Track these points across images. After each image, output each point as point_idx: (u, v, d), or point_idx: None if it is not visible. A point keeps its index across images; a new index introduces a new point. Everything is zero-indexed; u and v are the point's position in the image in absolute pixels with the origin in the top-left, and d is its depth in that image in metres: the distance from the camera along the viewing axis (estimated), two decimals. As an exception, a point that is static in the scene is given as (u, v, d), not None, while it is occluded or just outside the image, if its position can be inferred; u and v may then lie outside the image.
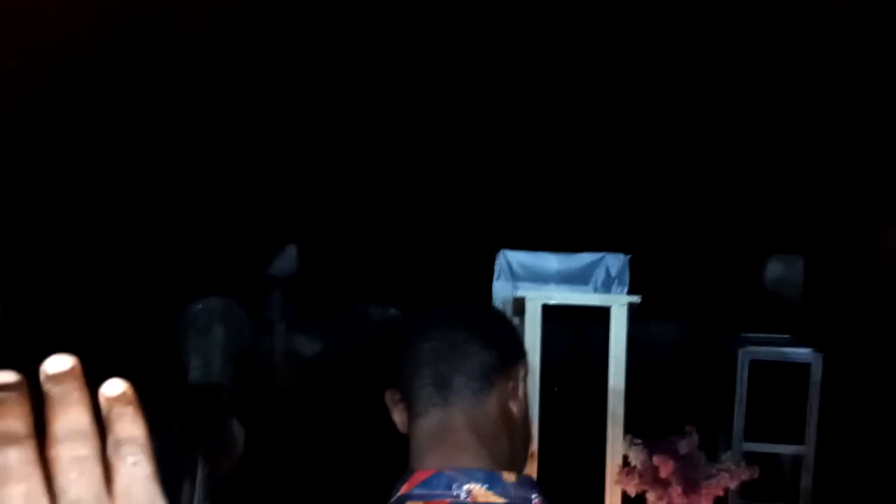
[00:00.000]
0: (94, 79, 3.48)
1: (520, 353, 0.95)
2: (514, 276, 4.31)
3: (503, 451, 0.88)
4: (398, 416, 0.94)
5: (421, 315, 1.00)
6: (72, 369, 0.33)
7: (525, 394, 0.93)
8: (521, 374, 0.92)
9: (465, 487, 0.81)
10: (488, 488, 0.81)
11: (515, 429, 0.90)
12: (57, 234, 4.54)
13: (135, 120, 4.00)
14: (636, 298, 2.77)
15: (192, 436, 3.58)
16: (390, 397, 0.96)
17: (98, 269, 4.80)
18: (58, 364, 0.32)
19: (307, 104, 4.19)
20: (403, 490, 0.84)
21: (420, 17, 3.17)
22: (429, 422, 0.87)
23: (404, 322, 1.08)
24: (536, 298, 2.69)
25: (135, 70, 3.47)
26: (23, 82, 3.26)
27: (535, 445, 2.74)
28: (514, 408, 0.90)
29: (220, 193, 4.80)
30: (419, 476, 0.84)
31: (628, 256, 4.16)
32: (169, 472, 3.39)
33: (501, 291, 4.25)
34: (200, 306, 4.66)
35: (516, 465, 0.89)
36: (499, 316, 1.08)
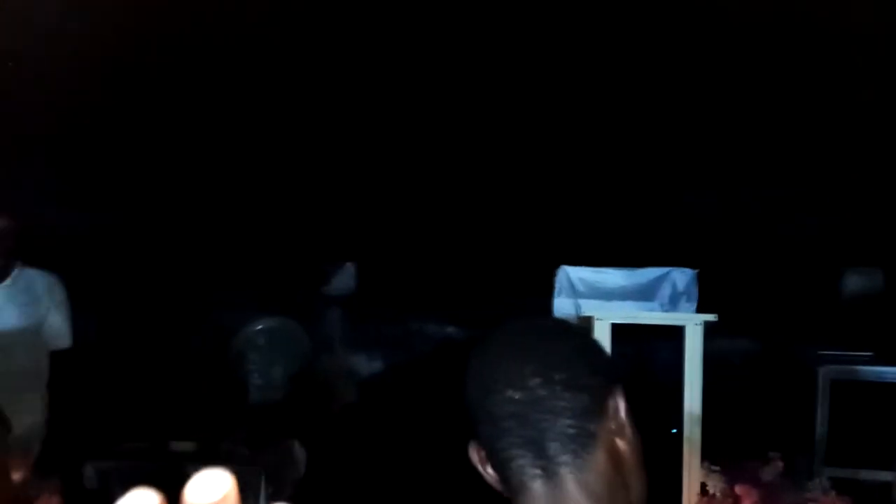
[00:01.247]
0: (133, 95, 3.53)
1: (614, 379, 0.82)
2: (576, 293, 4.20)
3: (624, 501, 0.77)
4: (490, 477, 0.82)
5: (486, 354, 0.83)
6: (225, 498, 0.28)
7: (629, 422, 0.80)
8: (621, 403, 0.80)
9: None
10: None
11: (630, 470, 0.78)
12: (116, 249, 4.63)
13: (190, 133, 4.06)
14: (712, 317, 2.64)
15: (255, 456, 3.58)
16: (476, 456, 0.84)
17: (162, 289, 4.89)
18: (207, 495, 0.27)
19: (366, 119, 4.19)
20: None
21: (465, 21, 3.11)
22: (531, 497, 0.75)
23: (469, 361, 0.94)
24: (605, 318, 2.58)
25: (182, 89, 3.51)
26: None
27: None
28: (623, 446, 0.78)
29: (278, 211, 4.84)
30: None
31: (696, 271, 4.01)
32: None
33: (563, 309, 4.15)
34: (261, 326, 4.69)
35: None
36: (579, 336, 0.88)
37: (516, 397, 0.75)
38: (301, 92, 3.90)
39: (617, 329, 2.75)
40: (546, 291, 4.21)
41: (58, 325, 2.80)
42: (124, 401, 4.09)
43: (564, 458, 0.74)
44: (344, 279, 5.32)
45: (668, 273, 4.02)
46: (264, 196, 4.73)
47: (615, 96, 4.03)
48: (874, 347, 3.65)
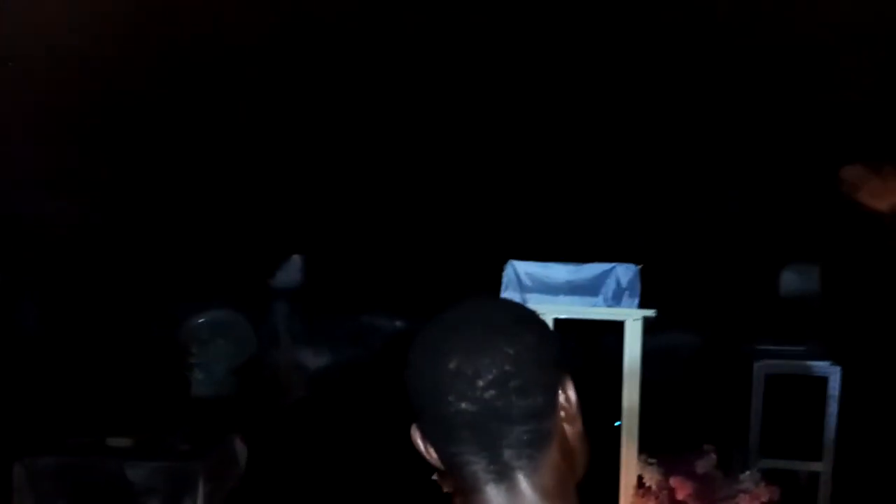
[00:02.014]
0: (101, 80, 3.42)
1: (565, 363, 0.78)
2: (523, 288, 4.23)
3: (569, 489, 0.76)
4: (433, 460, 0.78)
5: (433, 352, 0.76)
6: None
7: (577, 404, 0.77)
8: (570, 391, 0.76)
9: None
10: None
11: (577, 457, 0.77)
12: (63, 237, 4.48)
13: (141, 122, 3.95)
14: (651, 312, 2.69)
15: (195, 452, 3.51)
16: (420, 439, 0.79)
17: (102, 279, 4.75)
18: None
19: (313, 112, 4.13)
20: None
21: (425, 21, 3.10)
22: (483, 501, 0.73)
23: (410, 355, 0.75)
24: (549, 312, 2.60)
25: (140, 69, 3.42)
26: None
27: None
28: (571, 431, 0.76)
29: (225, 203, 4.74)
30: None
31: (639, 267, 4.07)
32: (172, 487, 3.33)
33: (510, 303, 4.18)
34: (205, 319, 4.60)
35: (575, 487, 0.78)
36: (528, 325, 0.79)
37: (470, 409, 0.71)
38: (253, 85, 3.84)
39: (560, 324, 2.77)
40: (494, 285, 4.23)
41: None
42: (61, 395, 3.97)
43: (520, 462, 0.73)
44: (291, 272, 5.25)
45: (612, 269, 4.07)
46: (212, 186, 4.63)
47: (567, 95, 4.07)
48: (809, 342, 3.76)
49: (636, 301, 3.94)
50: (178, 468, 3.39)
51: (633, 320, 2.60)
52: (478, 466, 0.72)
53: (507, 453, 0.72)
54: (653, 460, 2.63)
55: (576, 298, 3.94)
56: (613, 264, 4.12)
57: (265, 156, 4.50)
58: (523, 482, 0.72)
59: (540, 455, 0.73)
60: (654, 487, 2.55)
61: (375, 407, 4.89)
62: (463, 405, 0.71)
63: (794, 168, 4.25)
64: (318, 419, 4.81)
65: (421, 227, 5.00)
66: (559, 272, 4.21)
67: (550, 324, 2.72)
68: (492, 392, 0.71)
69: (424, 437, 0.78)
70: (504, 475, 0.72)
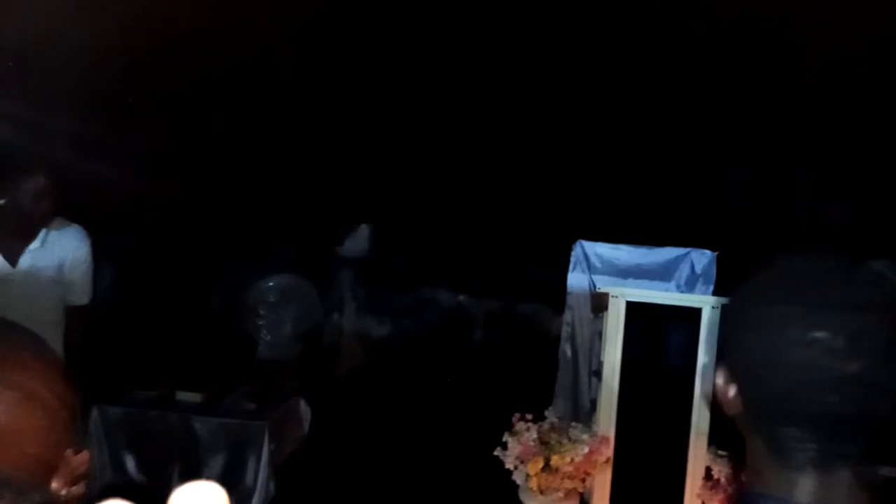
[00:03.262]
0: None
1: None
2: (591, 269, 4.15)
3: None
4: (729, 403, 0.73)
5: (804, 310, 0.65)
6: None
7: None
8: None
9: None
10: None
11: None
12: (140, 200, 4.62)
13: (206, 88, 4.00)
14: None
15: (260, 411, 3.59)
16: (724, 382, 0.73)
17: (177, 244, 4.88)
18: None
19: (387, 81, 4.11)
20: None
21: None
22: (803, 478, 0.67)
23: (770, 296, 0.65)
24: (622, 296, 2.53)
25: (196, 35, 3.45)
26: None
27: (611, 451, 2.60)
28: None
29: (297, 171, 4.80)
30: None
31: (716, 253, 3.93)
32: (237, 443, 3.42)
33: (577, 284, 4.10)
34: (272, 283, 4.69)
35: None
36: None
37: (832, 399, 0.63)
38: (328, 57, 3.84)
39: (632, 307, 2.69)
40: (562, 265, 4.16)
41: (79, 283, 2.79)
42: (135, 351, 4.12)
43: (849, 451, 0.66)
44: (359, 241, 5.29)
45: (686, 254, 3.95)
46: (284, 155, 4.68)
47: (642, 74, 3.93)
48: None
49: (711, 288, 3.81)
50: (244, 426, 3.47)
51: (711, 307, 2.49)
52: (811, 449, 0.67)
53: (846, 446, 0.66)
54: (723, 453, 2.54)
55: (647, 283, 3.84)
56: (688, 249, 3.99)
57: (340, 124, 4.52)
58: (844, 473, 0.67)
59: (865, 448, 0.67)
60: (722, 480, 2.46)
61: (433, 377, 4.91)
62: (824, 392, 0.64)
63: (885, 157, 4.01)
64: (378, 387, 4.87)
65: (490, 202, 4.95)
66: (630, 255, 4.11)
67: (623, 308, 2.65)
68: (865, 363, 0.64)
69: (731, 382, 0.73)
70: (830, 463, 0.67)
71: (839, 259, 0.71)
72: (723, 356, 0.74)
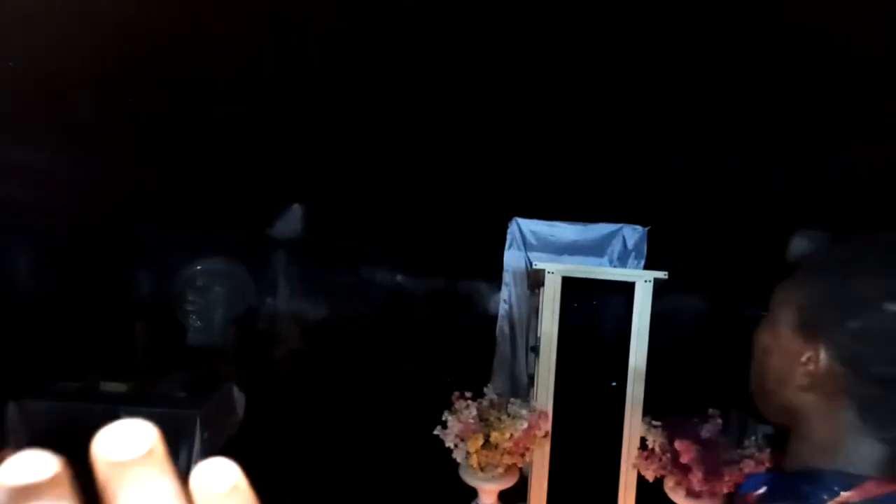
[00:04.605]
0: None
1: None
2: (527, 246, 4.17)
3: None
4: (806, 382, 0.71)
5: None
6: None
7: None
8: None
9: None
10: None
11: None
12: (60, 183, 4.38)
13: (143, 65, 3.81)
14: (663, 274, 2.62)
15: (191, 399, 3.48)
16: (815, 356, 0.71)
17: (101, 226, 4.66)
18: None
19: (316, 59, 3.99)
20: (846, 498, 0.66)
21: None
22: (888, 447, 0.68)
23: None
24: (558, 272, 2.54)
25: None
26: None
27: (549, 425, 2.62)
28: None
29: (225, 150, 4.63)
30: (874, 488, 0.66)
31: (646, 228, 4.01)
32: (169, 434, 3.31)
33: (513, 261, 4.12)
34: (202, 267, 4.53)
35: None
36: None
37: None
38: (259, 31, 3.69)
39: (568, 283, 2.71)
40: (498, 242, 4.17)
41: None
42: (58, 341, 3.92)
43: None
44: (291, 221, 5.17)
45: (619, 229, 4.02)
46: (212, 133, 4.51)
47: (576, 50, 3.94)
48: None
49: (642, 262, 3.90)
50: (175, 415, 3.35)
51: (643, 281, 2.53)
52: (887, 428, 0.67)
53: None
54: (657, 423, 2.60)
55: (581, 259, 3.90)
56: (620, 225, 4.06)
57: (267, 103, 4.38)
58: None
59: None
60: (657, 450, 2.52)
61: (370, 358, 4.87)
62: None
63: (806, 131, 4.15)
64: (315, 369, 4.79)
65: (424, 179, 4.90)
66: (565, 231, 4.16)
67: (559, 283, 2.67)
68: None
69: (819, 346, 0.71)
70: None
71: None
72: (811, 321, 0.72)
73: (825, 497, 0.66)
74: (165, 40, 3.59)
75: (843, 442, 0.69)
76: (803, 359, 0.71)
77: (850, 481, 0.66)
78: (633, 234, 4.01)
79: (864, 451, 0.68)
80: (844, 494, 0.66)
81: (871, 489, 0.66)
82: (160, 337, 4.22)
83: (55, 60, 3.46)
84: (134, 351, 3.81)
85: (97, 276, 4.60)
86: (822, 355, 0.70)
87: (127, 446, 0.23)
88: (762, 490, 0.74)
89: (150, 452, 0.23)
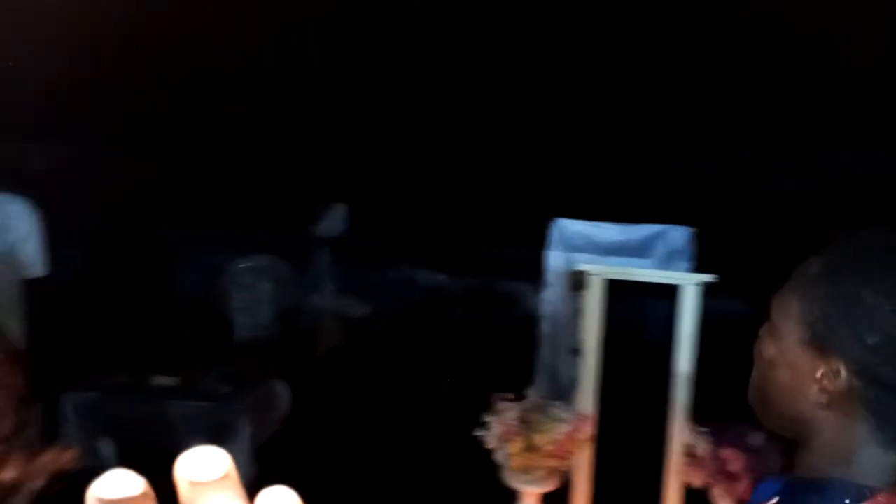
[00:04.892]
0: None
1: None
2: (569, 247, 4.13)
3: None
4: (822, 398, 0.70)
5: None
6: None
7: None
8: None
9: None
10: None
11: None
12: (105, 181, 4.51)
13: (178, 63, 3.90)
14: (711, 278, 2.57)
15: (236, 394, 3.54)
16: (831, 372, 0.70)
17: (151, 224, 4.78)
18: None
19: (360, 57, 4.03)
20: None
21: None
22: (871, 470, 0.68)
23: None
24: (600, 273, 2.51)
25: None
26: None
27: (592, 429, 2.59)
28: None
29: (270, 149, 4.71)
30: (887, 500, 0.66)
31: (693, 230, 3.93)
32: (214, 428, 3.37)
33: (556, 262, 4.09)
34: (248, 264, 4.61)
35: None
36: None
37: None
38: (299, 32, 3.74)
39: (611, 286, 2.68)
40: (540, 243, 4.14)
41: (31, 253, 2.70)
42: (108, 335, 4.03)
43: None
44: (334, 221, 5.22)
45: (664, 231, 3.95)
46: (257, 133, 4.59)
47: (616, 47, 3.89)
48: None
49: (688, 265, 3.82)
50: (221, 409, 3.42)
51: (691, 285, 2.48)
52: None
53: None
54: (704, 430, 2.54)
55: (625, 260, 3.84)
56: (666, 226, 4.00)
57: (311, 103, 4.43)
58: None
59: None
60: (704, 456, 2.47)
61: (411, 357, 4.89)
62: None
63: (857, 133, 4.03)
64: (357, 367, 4.84)
65: (469, 180, 4.90)
66: (608, 232, 4.11)
67: (603, 286, 2.63)
68: None
69: (834, 358, 0.69)
70: None
71: None
72: (822, 337, 0.70)
73: None
74: (212, 40, 3.66)
75: (856, 453, 0.68)
76: (818, 375, 0.70)
77: (861, 493, 0.65)
78: (680, 235, 3.94)
79: (876, 463, 0.67)
80: None
81: (883, 501, 0.65)
82: (206, 333, 4.31)
83: (94, 57, 3.55)
84: (181, 347, 3.89)
85: (147, 275, 4.72)
86: (841, 371, 0.68)
87: (206, 468, 0.25)
88: (774, 501, 0.73)
89: (227, 476, 0.26)
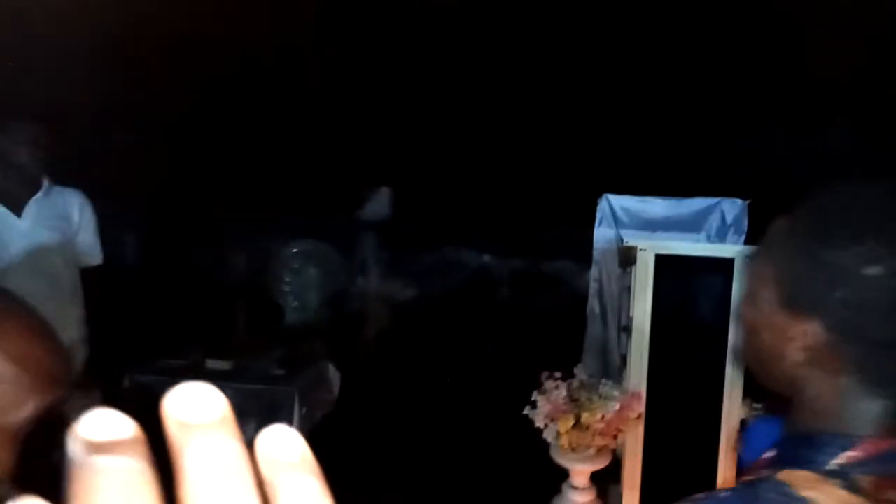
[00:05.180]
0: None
1: None
2: (618, 223, 4.05)
3: None
4: (802, 356, 0.72)
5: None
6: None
7: None
8: None
9: None
10: None
11: None
12: (158, 170, 4.62)
13: (223, 55, 3.95)
14: (765, 251, 2.48)
15: (289, 376, 3.60)
16: (806, 331, 0.72)
17: (202, 211, 4.88)
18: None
19: (405, 42, 4.01)
20: (847, 459, 0.69)
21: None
22: (887, 402, 0.70)
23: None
24: (650, 248, 2.45)
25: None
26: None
27: (642, 407, 2.55)
28: None
29: (316, 135, 4.74)
30: (872, 447, 0.69)
31: (747, 202, 3.81)
32: (268, 410, 3.44)
33: (603, 239, 4.02)
34: (296, 249, 4.67)
35: None
36: None
37: None
38: (346, 25, 3.75)
39: (661, 260, 2.62)
40: (588, 220, 4.07)
41: (89, 243, 2.78)
42: (163, 321, 4.14)
43: None
44: (380, 204, 5.24)
45: (716, 203, 3.84)
46: (303, 120, 4.62)
47: (665, 24, 3.78)
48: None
49: (742, 238, 3.71)
50: (274, 392, 3.49)
51: (744, 257, 2.41)
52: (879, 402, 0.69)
53: None
54: (758, 405, 2.48)
55: (676, 235, 3.75)
56: (718, 199, 3.88)
57: (357, 89, 4.44)
58: None
59: None
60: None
61: (460, 338, 4.90)
62: None
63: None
64: (406, 350, 4.87)
65: (513, 158, 4.85)
66: (658, 207, 4.01)
67: (652, 261, 2.58)
68: None
69: (807, 316, 0.71)
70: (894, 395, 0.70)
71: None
72: (794, 297, 0.72)
73: (825, 460, 0.68)
74: (259, 32, 3.69)
75: (842, 406, 0.71)
76: (795, 334, 0.72)
77: (848, 442, 0.69)
78: (732, 207, 3.82)
79: (862, 411, 0.70)
80: (843, 455, 0.68)
81: (869, 448, 0.68)
82: (259, 317, 4.39)
83: (143, 56, 3.62)
84: (234, 330, 3.97)
85: (201, 261, 4.83)
86: (816, 329, 0.71)
87: (199, 409, 0.23)
88: (771, 454, 0.77)
89: (224, 419, 0.23)
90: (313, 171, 4.89)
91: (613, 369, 3.55)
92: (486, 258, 5.37)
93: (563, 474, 2.48)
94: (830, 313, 0.69)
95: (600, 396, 2.42)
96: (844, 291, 0.68)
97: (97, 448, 0.22)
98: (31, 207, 2.59)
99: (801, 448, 0.71)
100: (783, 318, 0.73)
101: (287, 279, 4.65)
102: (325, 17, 3.79)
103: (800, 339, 0.72)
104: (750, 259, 0.81)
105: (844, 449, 0.68)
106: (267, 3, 3.58)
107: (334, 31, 3.97)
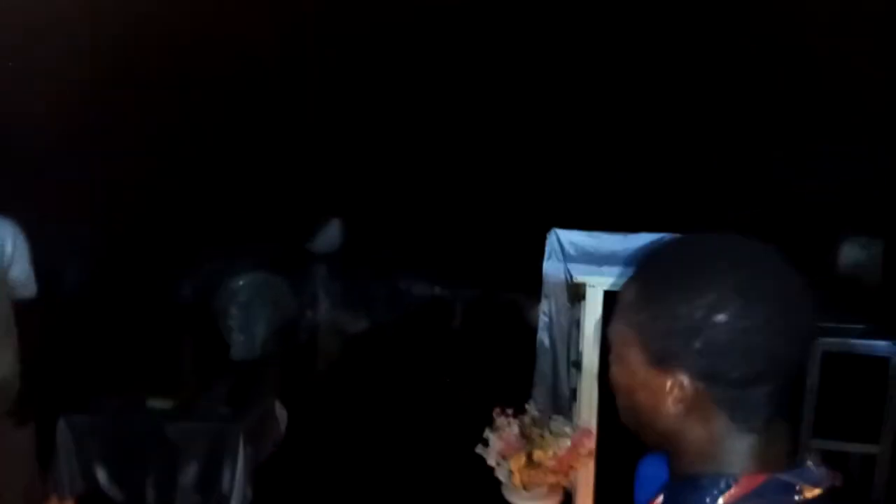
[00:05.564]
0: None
1: None
2: (567, 258, 4.09)
3: None
4: (679, 408, 0.77)
5: (744, 286, 0.74)
6: None
7: None
8: None
9: (799, 488, 0.74)
10: (815, 483, 0.75)
11: None
12: (102, 198, 4.49)
13: (177, 80, 3.89)
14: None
15: (234, 414, 3.50)
16: (677, 384, 0.77)
17: (143, 242, 4.75)
18: None
19: (353, 74, 4.02)
20: (729, 497, 0.74)
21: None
22: (757, 436, 0.76)
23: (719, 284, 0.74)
24: (598, 284, 2.48)
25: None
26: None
27: (593, 443, 2.56)
28: None
29: (263, 166, 4.69)
30: (749, 482, 0.74)
31: (691, 238, 3.90)
32: (211, 448, 3.33)
33: (552, 274, 4.05)
34: (243, 281, 4.58)
35: None
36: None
37: (788, 332, 0.73)
38: (289, 46, 3.74)
39: (609, 297, 2.65)
40: (536, 254, 4.10)
41: (23, 274, 2.66)
42: (102, 356, 3.99)
43: (778, 413, 0.77)
44: (330, 236, 5.20)
45: (661, 239, 3.93)
46: (250, 150, 4.57)
47: (612, 60, 3.89)
48: (870, 320, 3.58)
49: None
50: (218, 430, 3.38)
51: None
52: (770, 406, 0.75)
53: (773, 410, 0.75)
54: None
55: (624, 270, 3.81)
56: (662, 235, 3.96)
57: (304, 119, 4.42)
58: (780, 429, 0.77)
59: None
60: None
61: (410, 371, 4.85)
62: (776, 336, 0.72)
63: (855, 140, 4.02)
64: (356, 384, 4.80)
65: (463, 191, 4.88)
66: (606, 242, 4.06)
67: (600, 297, 2.61)
68: (798, 322, 0.74)
69: (680, 384, 0.77)
70: (781, 414, 0.76)
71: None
72: (660, 355, 0.77)
73: (710, 502, 0.73)
74: (208, 50, 3.64)
75: (718, 446, 0.76)
76: (668, 389, 0.77)
77: (728, 481, 0.74)
78: (677, 244, 3.90)
79: (736, 449, 0.75)
80: (726, 494, 0.73)
81: (748, 483, 0.73)
82: (202, 352, 4.27)
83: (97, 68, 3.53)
84: (177, 366, 3.85)
85: (144, 293, 4.68)
86: (685, 380, 0.76)
87: None
88: (659, 499, 0.81)
89: None
90: (261, 201, 4.82)
91: (564, 403, 3.55)
92: (438, 290, 5.37)
93: (515, 513, 2.46)
94: (693, 363, 0.75)
95: (552, 432, 2.42)
96: (700, 341, 0.73)
97: None
98: None
99: (685, 491, 0.76)
100: (654, 375, 0.78)
101: (233, 312, 4.55)
102: (277, 46, 3.77)
103: (674, 392, 0.76)
104: (610, 326, 0.85)
105: (727, 487, 0.73)
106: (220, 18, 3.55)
107: (288, 58, 3.95)
